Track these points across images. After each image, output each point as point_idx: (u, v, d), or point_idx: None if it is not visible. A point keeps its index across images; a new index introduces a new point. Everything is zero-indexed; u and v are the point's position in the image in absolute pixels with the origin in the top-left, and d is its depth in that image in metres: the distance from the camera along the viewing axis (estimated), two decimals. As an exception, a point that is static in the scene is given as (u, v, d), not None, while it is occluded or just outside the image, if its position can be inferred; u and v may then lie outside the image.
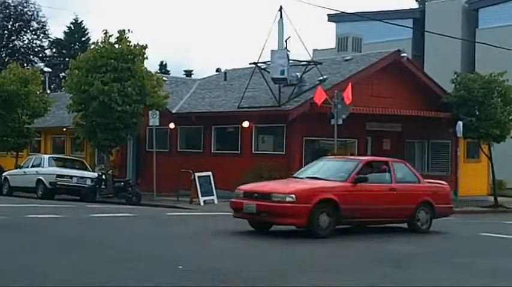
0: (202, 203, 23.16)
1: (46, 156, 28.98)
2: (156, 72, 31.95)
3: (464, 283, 9.77)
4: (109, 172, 27.18)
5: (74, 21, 60.41)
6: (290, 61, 26.02)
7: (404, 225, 15.86)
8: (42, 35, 58.20)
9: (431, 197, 15.70)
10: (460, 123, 26.26)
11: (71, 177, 26.26)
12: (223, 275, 9.42)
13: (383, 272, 10.19)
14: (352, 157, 16.07)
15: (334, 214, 13.80)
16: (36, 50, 58.62)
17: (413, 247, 13.52)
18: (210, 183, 23.83)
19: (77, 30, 60.09)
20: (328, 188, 14.11)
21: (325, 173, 15.07)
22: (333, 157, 18.43)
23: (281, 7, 26.08)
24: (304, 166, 25.91)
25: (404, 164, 16.34)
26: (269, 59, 26.53)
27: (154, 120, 25.80)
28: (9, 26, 57.30)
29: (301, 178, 15.14)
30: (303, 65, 27.51)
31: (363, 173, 14.70)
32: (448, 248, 13.82)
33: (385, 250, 12.81)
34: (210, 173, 24.02)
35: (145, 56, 26.10)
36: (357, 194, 14.26)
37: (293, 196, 13.48)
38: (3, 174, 29.42)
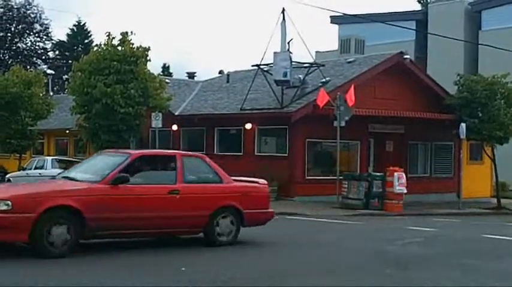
0: (204, 205, 23.10)
1: (49, 158, 29.03)
2: (159, 74, 31.97)
3: (466, 284, 9.77)
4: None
5: (76, 23, 60.57)
6: (293, 63, 26.03)
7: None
8: (45, 37, 58.34)
9: (238, 201, 12.52)
10: (463, 125, 26.21)
11: (74, 179, 26.22)
12: (224, 276, 9.45)
13: (388, 273, 10.22)
14: (122, 151, 13.10)
15: (77, 226, 10.73)
16: (39, 52, 58.72)
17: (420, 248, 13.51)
18: (213, 184, 23.76)
19: (79, 32, 60.20)
20: (70, 192, 11.01)
21: (87, 171, 12.17)
22: (110, 150, 14.83)
23: (284, 9, 26.14)
24: (307, 167, 26.25)
25: (201, 160, 13.00)
26: (272, 61, 26.57)
27: (157, 122, 25.81)
28: (12, 28, 57.41)
29: (54, 177, 12.51)
30: (305, 67, 27.52)
31: (133, 170, 11.77)
32: (450, 250, 13.79)
33: (385, 251, 12.80)
34: (212, 174, 23.98)
35: (148, 58, 26.10)
36: (116, 198, 11.15)
37: (8, 202, 10.36)
38: (7, 176, 29.47)
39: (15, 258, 10.49)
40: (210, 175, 12.65)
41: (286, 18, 26.04)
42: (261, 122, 26.60)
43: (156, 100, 26.06)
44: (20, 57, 56.15)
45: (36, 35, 58.01)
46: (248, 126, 26.76)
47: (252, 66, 28.69)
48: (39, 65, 56.19)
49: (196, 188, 12.26)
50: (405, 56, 28.11)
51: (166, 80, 29.68)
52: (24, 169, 28.56)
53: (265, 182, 13.55)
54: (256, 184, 13.39)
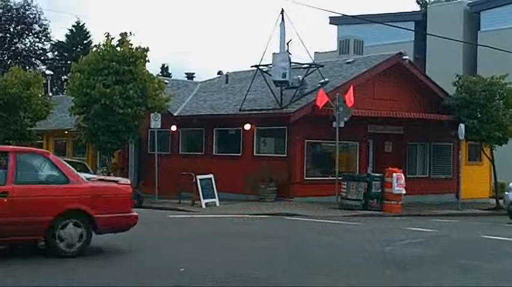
0: (204, 206, 23.17)
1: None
2: (158, 74, 31.92)
3: (467, 285, 9.77)
4: (110, 175, 27.15)
5: (75, 24, 60.45)
6: (292, 64, 26.01)
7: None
8: (44, 38, 58.19)
9: (88, 204, 10.83)
10: (462, 125, 26.23)
11: (73, 180, 26.15)
12: (221, 274, 9.45)
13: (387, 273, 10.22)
14: None
15: None
16: (38, 53, 58.63)
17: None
18: (212, 185, 23.85)
19: (78, 33, 60.12)
20: None
21: None
22: None
23: (283, 10, 26.14)
24: (306, 168, 26.23)
25: (42, 157, 11.17)
26: (271, 62, 26.56)
27: (156, 122, 25.82)
28: (11, 29, 57.31)
29: None
30: (304, 67, 27.52)
31: None
32: (450, 250, 13.79)
33: (384, 251, 12.80)
34: (211, 175, 24.03)
35: (146, 58, 26.10)
36: None
37: None
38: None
39: None
40: (53, 175, 10.93)
41: (285, 18, 26.06)
42: (260, 122, 26.59)
43: (155, 101, 26.06)
44: (19, 58, 56.09)
45: (35, 35, 57.92)
46: (247, 127, 26.75)
47: (251, 67, 28.66)
48: (38, 66, 56.11)
49: (32, 189, 10.55)
50: (404, 57, 28.11)
51: (165, 81, 29.66)
52: None
53: (128, 181, 11.93)
54: (114, 184, 11.62)
